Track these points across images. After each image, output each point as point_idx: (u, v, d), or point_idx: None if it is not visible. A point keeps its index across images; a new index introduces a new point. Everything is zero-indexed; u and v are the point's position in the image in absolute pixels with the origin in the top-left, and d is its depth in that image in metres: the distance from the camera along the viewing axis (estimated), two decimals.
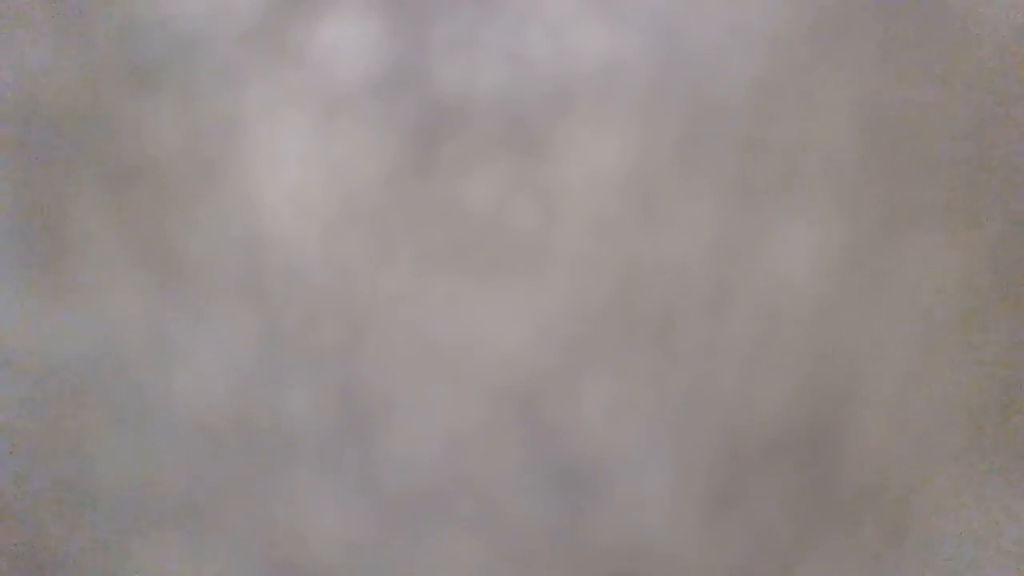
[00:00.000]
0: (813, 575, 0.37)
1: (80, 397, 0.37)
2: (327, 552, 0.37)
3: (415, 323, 0.36)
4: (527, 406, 0.37)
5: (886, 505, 0.37)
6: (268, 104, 0.36)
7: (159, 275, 0.37)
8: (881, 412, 0.37)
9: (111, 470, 0.37)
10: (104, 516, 0.37)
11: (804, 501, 0.37)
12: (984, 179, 0.37)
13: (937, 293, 0.37)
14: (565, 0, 0.36)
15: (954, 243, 0.37)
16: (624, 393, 0.37)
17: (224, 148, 0.36)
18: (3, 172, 0.37)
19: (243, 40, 0.36)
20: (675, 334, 0.37)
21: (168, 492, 0.37)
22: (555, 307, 0.36)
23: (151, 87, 0.36)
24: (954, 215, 0.37)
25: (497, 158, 0.36)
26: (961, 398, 0.37)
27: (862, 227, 0.37)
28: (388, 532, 0.37)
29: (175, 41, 0.36)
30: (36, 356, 0.37)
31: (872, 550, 0.38)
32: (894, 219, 0.37)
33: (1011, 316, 0.37)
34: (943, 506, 0.38)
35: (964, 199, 0.37)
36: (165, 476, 0.37)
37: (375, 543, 0.37)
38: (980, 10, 0.37)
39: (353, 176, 0.36)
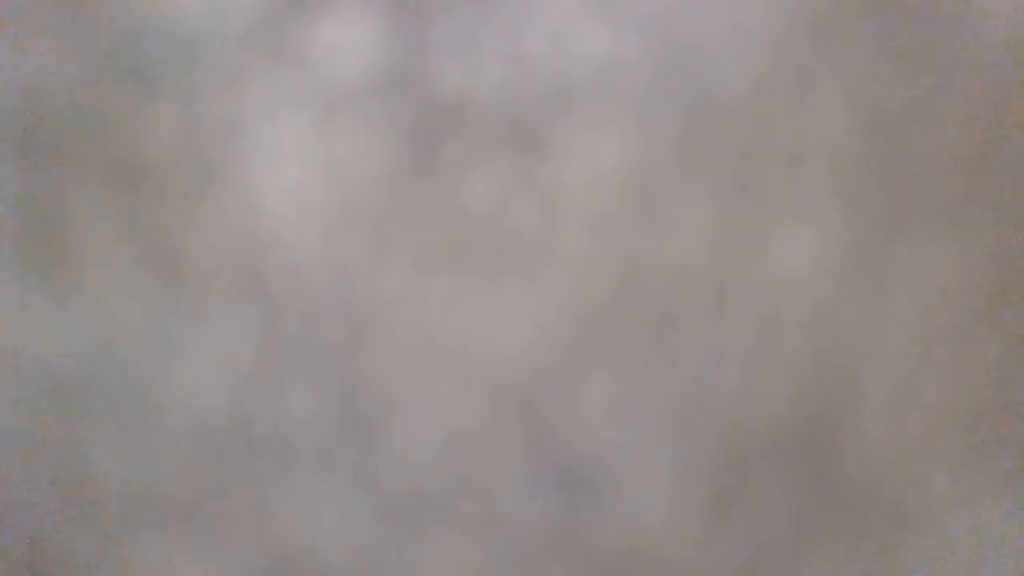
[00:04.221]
0: (813, 575, 0.37)
1: (80, 397, 0.37)
2: (327, 552, 0.37)
3: (415, 323, 0.36)
4: (527, 406, 0.37)
5: (886, 505, 0.37)
6: (268, 104, 0.36)
7: (159, 275, 0.37)
8: (881, 412, 0.37)
9: (111, 470, 0.37)
10: (104, 516, 0.37)
11: (804, 501, 0.37)
12: (984, 179, 0.37)
13: (937, 293, 0.37)
14: (565, 0, 0.36)
15: (954, 243, 0.37)
16: (624, 393, 0.37)
17: (224, 148, 0.36)
18: (3, 172, 0.37)
19: (243, 40, 0.36)
20: (675, 334, 0.37)
21: (168, 492, 0.37)
22: (555, 307, 0.36)
23: (151, 87, 0.36)
24: (954, 215, 0.37)
25: (497, 158, 0.36)
26: (961, 399, 0.37)
27: (862, 227, 0.37)
28: (388, 532, 0.37)
29: (175, 41, 0.36)
30: (36, 356, 0.37)
31: (872, 550, 0.38)
32: (894, 219, 0.37)
33: (1011, 316, 0.37)
34: (943, 506, 0.38)
35: (964, 199, 0.37)
36: (165, 476, 0.37)
37: (375, 543, 0.37)
38: (980, 9, 0.37)
39: (353, 176, 0.36)
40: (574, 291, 0.36)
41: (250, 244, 0.36)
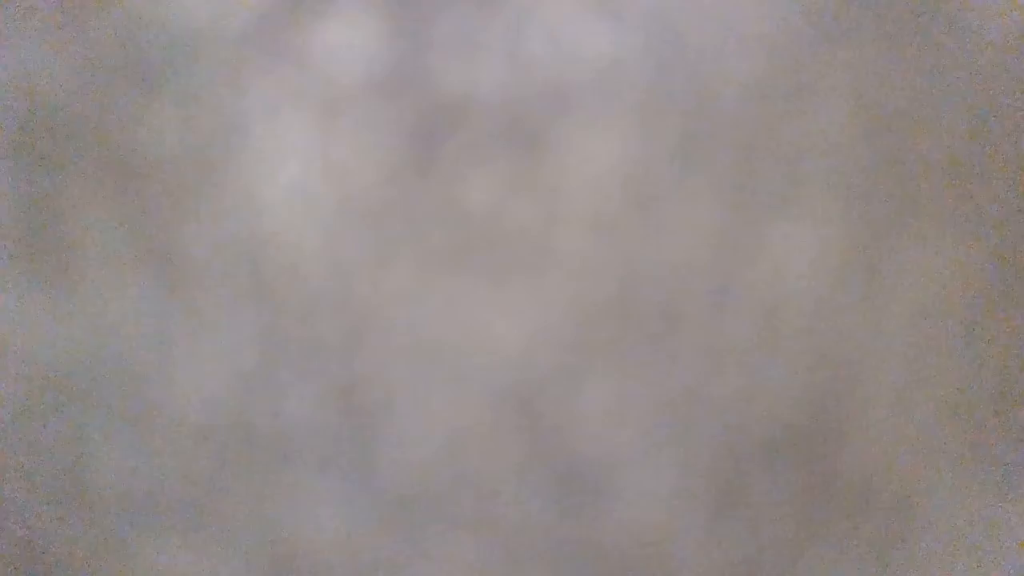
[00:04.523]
0: (813, 575, 0.37)
1: (80, 397, 0.37)
2: (327, 552, 0.37)
3: (415, 323, 0.36)
4: (527, 406, 0.37)
5: (886, 505, 0.37)
6: (268, 104, 0.36)
7: (159, 274, 0.37)
8: (881, 412, 0.37)
9: (111, 470, 0.37)
10: (104, 516, 0.37)
11: (804, 501, 0.37)
12: (984, 179, 0.37)
13: (937, 293, 0.37)
14: (565, 0, 0.36)
15: (954, 243, 0.37)
16: (624, 393, 0.37)
17: (224, 148, 0.36)
18: (3, 172, 0.37)
19: (243, 40, 0.36)
20: (675, 334, 0.37)
21: (168, 492, 0.37)
22: (555, 307, 0.36)
23: (151, 87, 0.36)
24: (954, 215, 0.37)
25: (497, 158, 0.36)
26: (961, 398, 0.37)
27: (862, 227, 0.37)
28: (388, 532, 0.37)
29: (175, 41, 0.36)
30: (36, 356, 0.37)
31: (872, 550, 0.38)
32: (894, 219, 0.37)
33: (1011, 316, 0.37)
34: (943, 506, 0.38)
35: (964, 199, 0.37)
36: (165, 476, 0.37)
37: (375, 543, 0.37)
38: (980, 10, 0.37)
39: (353, 176, 0.36)
40: (574, 291, 0.36)
41: (250, 244, 0.36)
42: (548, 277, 0.36)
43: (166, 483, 0.37)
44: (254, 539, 0.37)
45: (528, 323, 0.36)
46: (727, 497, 0.37)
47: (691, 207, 0.36)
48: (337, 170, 0.36)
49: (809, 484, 0.37)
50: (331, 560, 0.37)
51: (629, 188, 0.36)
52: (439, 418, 0.37)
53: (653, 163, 0.36)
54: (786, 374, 0.37)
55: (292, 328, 0.37)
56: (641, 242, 0.36)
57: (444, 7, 0.36)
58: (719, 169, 0.36)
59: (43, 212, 0.37)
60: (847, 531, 0.37)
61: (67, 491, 0.37)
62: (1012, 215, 0.37)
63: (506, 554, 0.37)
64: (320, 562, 0.37)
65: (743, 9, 0.36)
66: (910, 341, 0.37)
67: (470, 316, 0.36)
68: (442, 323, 0.36)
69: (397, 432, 0.37)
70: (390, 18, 0.36)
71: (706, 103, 0.36)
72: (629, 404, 0.37)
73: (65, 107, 0.37)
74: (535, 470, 0.37)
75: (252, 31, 0.36)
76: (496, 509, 0.37)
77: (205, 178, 0.36)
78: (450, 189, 0.36)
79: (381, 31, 0.36)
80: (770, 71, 0.36)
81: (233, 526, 0.37)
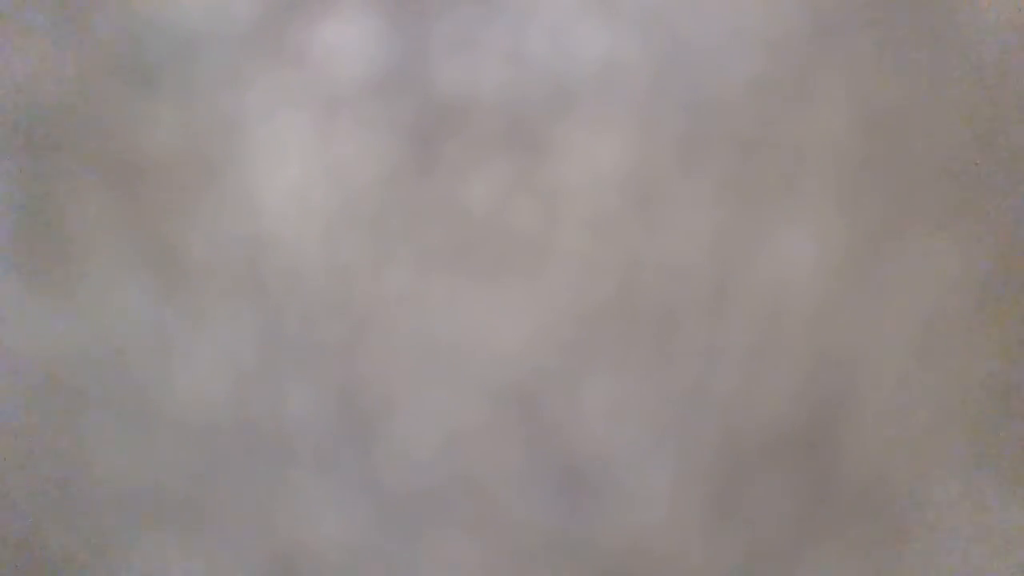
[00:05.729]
0: (813, 575, 0.37)
1: (80, 397, 0.37)
2: (327, 552, 0.37)
3: (415, 323, 0.36)
4: (527, 406, 0.37)
5: (886, 505, 0.37)
6: (268, 104, 0.36)
7: (159, 275, 0.37)
8: (881, 412, 0.37)
9: (111, 470, 0.37)
10: (104, 515, 0.37)
11: (804, 501, 0.37)
12: (984, 179, 0.37)
13: (937, 293, 0.37)
14: (565, 0, 0.36)
15: (954, 243, 0.37)
16: (624, 393, 0.37)
17: (224, 148, 0.36)
18: (3, 172, 0.37)
19: (243, 40, 0.36)
20: (675, 334, 0.37)
21: (168, 492, 0.37)
22: (555, 307, 0.36)
23: (151, 87, 0.36)
24: (954, 215, 0.37)
25: (497, 158, 0.36)
26: (961, 399, 0.37)
27: (862, 227, 0.37)
28: (388, 532, 0.37)
29: (175, 41, 0.36)
30: (36, 356, 0.37)
31: (872, 550, 0.38)
32: (894, 219, 0.37)
33: (1011, 316, 0.37)
34: (943, 506, 0.38)
35: (964, 199, 0.37)
36: (165, 476, 0.37)
37: (375, 543, 0.37)
38: (980, 10, 0.37)
39: (353, 176, 0.36)
40: (574, 291, 0.36)
41: (250, 244, 0.36)
42: (548, 277, 0.36)
43: (166, 483, 0.37)
44: (254, 539, 0.37)
45: (528, 323, 0.36)
46: (727, 497, 0.37)
47: (691, 207, 0.36)
48: (337, 170, 0.36)
49: (809, 484, 0.37)
50: (331, 560, 0.37)
51: (629, 188, 0.36)
52: (439, 418, 0.37)
53: (653, 163, 0.36)
54: (786, 374, 0.37)
55: (292, 328, 0.37)
56: (641, 242, 0.36)
57: (444, 7, 0.36)
58: (719, 169, 0.36)
59: (43, 212, 0.37)
60: (846, 531, 0.37)
61: (67, 491, 0.37)
62: (1012, 215, 0.37)
63: (506, 554, 0.37)
64: (320, 562, 0.37)
65: (743, 9, 0.36)
66: (909, 341, 0.37)
67: (470, 316, 0.36)
68: (442, 323, 0.36)
69: (397, 432, 0.37)
70: (390, 18, 0.36)
71: (706, 103, 0.36)
72: (629, 404, 0.37)
73: (65, 107, 0.37)
74: (535, 470, 0.37)
75: (252, 31, 0.36)
76: (496, 509, 0.37)
77: (205, 178, 0.36)
78: (450, 189, 0.36)
79: (381, 31, 0.36)
80: (770, 71, 0.36)
81: (233, 526, 0.37)
